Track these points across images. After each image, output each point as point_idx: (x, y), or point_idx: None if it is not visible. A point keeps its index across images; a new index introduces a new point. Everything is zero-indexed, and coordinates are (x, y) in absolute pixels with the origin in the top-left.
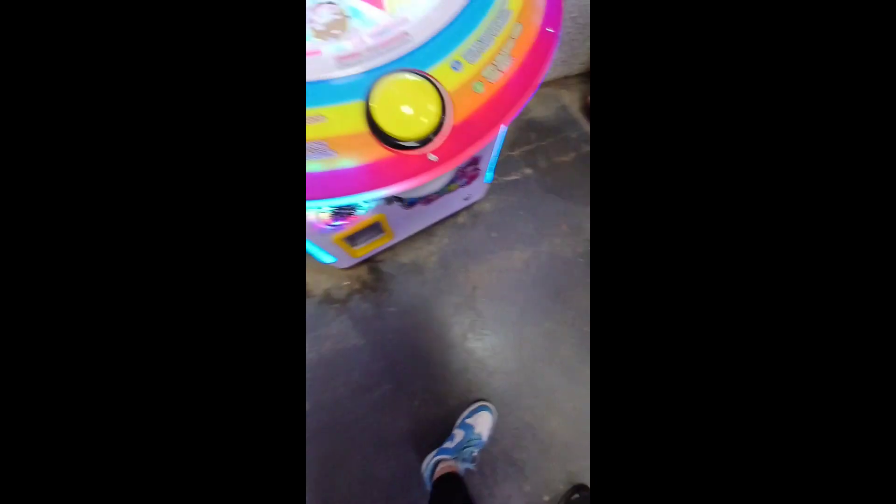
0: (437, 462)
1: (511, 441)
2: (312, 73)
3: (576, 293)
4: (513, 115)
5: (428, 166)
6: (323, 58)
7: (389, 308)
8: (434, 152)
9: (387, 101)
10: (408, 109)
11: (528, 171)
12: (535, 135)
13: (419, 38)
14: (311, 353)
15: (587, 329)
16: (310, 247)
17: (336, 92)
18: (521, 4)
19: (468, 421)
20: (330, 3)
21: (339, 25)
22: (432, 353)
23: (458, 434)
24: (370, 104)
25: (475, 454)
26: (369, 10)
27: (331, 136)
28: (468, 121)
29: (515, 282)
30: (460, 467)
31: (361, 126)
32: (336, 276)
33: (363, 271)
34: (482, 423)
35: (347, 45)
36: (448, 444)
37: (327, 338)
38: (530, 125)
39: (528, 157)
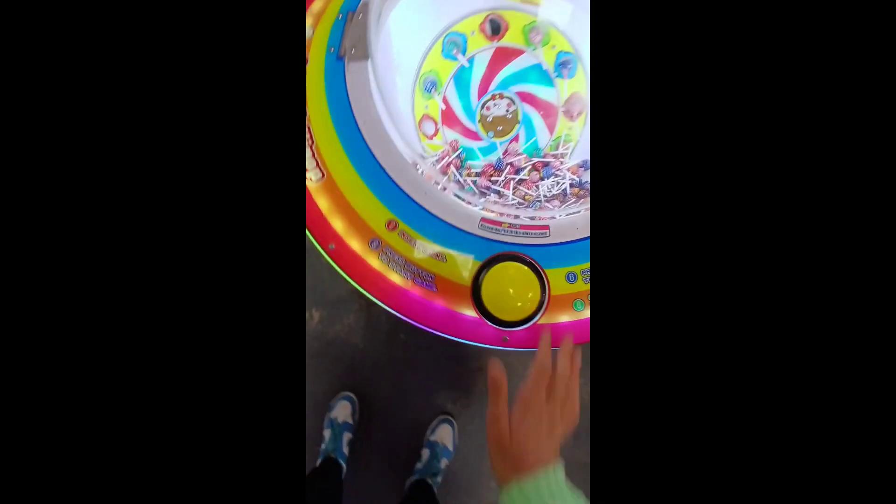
0: (413, 482)
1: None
2: (460, 221)
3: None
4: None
5: (498, 342)
6: (472, 213)
7: (400, 334)
8: (510, 336)
9: (497, 276)
10: (510, 291)
11: None
12: None
13: (556, 238)
14: (320, 325)
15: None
16: None
17: (466, 244)
18: None
19: (432, 438)
20: (510, 100)
21: (506, 124)
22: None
23: (425, 453)
24: (482, 271)
25: (443, 466)
26: (539, 127)
27: (441, 275)
28: (554, 326)
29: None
30: (430, 481)
31: (466, 281)
32: None
33: None
34: (444, 436)
35: (497, 209)
36: (418, 465)
37: (338, 322)
38: None
39: None
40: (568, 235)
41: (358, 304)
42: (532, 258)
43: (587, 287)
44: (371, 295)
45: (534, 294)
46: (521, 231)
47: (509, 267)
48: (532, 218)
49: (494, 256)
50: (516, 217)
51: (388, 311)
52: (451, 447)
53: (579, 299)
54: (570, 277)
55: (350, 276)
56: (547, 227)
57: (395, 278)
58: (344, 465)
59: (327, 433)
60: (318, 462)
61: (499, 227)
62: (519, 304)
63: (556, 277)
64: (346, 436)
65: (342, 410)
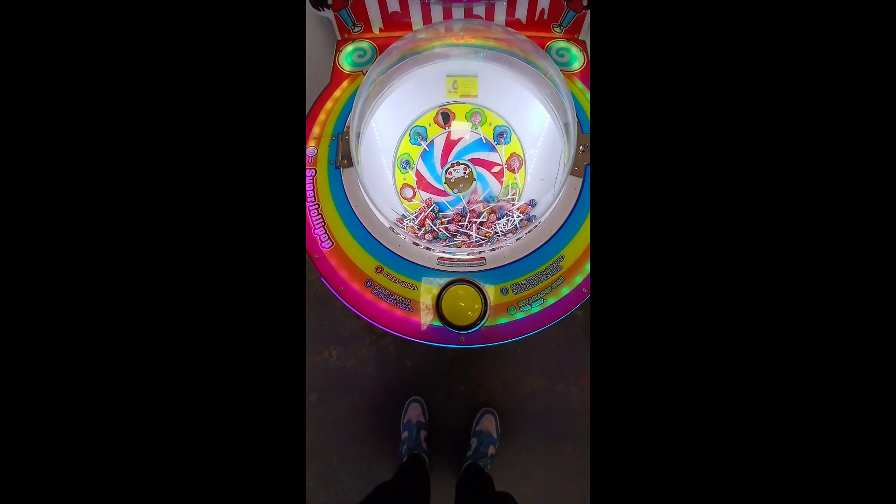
0: (467, 465)
1: None
2: (425, 261)
3: (563, 446)
4: (522, 336)
5: (457, 342)
6: (431, 255)
7: (406, 362)
8: (466, 337)
9: (452, 295)
10: (461, 305)
11: (580, 313)
12: None
13: (491, 264)
14: (338, 361)
15: (555, 481)
16: None
17: (430, 276)
18: (571, 265)
19: (478, 428)
20: (465, 165)
21: (465, 182)
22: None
23: (473, 442)
24: (442, 293)
25: (492, 451)
26: (491, 181)
27: (414, 298)
28: (496, 327)
29: (515, 405)
30: (481, 463)
31: (431, 301)
32: None
33: None
34: (488, 425)
35: (448, 250)
36: (469, 453)
37: (353, 356)
38: None
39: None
40: (499, 262)
41: (369, 338)
42: (475, 280)
43: (517, 296)
44: (368, 319)
45: (478, 305)
46: (467, 263)
47: (460, 288)
48: (475, 253)
49: (449, 281)
50: (468, 253)
51: (394, 343)
52: (495, 434)
53: (511, 307)
54: (504, 291)
55: (354, 307)
56: (484, 258)
57: (384, 305)
58: (426, 458)
59: (405, 434)
60: (405, 459)
61: (450, 263)
62: (469, 313)
63: (493, 292)
64: (423, 433)
65: (414, 412)
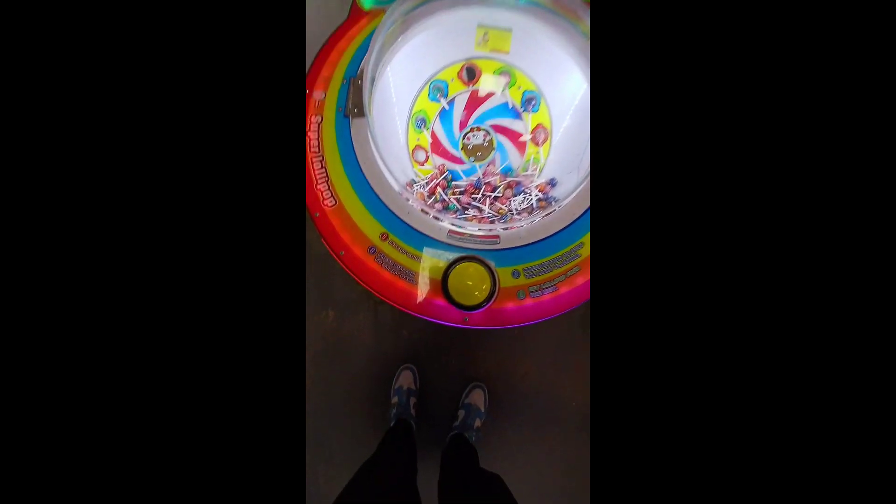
0: (453, 435)
1: None
2: (434, 232)
3: (552, 428)
4: (529, 323)
5: (461, 322)
6: (442, 227)
7: (403, 332)
8: (470, 317)
9: (460, 273)
10: (469, 283)
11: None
12: None
13: (505, 244)
14: (333, 324)
15: (540, 464)
16: None
17: (438, 248)
18: (588, 253)
19: (466, 401)
20: (486, 132)
21: (484, 151)
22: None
23: (461, 413)
24: (449, 269)
25: (478, 424)
26: (512, 152)
27: (418, 271)
28: (502, 310)
29: (508, 384)
30: (467, 434)
31: (438, 276)
32: None
33: None
34: (477, 399)
35: (458, 223)
36: (455, 423)
37: (350, 322)
38: None
39: None
40: (514, 243)
41: (367, 304)
42: (486, 259)
43: (529, 281)
44: (370, 287)
45: (487, 286)
46: (479, 240)
47: (469, 266)
48: (488, 231)
49: (459, 258)
50: (479, 229)
51: (392, 311)
52: (483, 409)
53: (521, 291)
54: (515, 274)
55: (355, 273)
56: (498, 236)
57: (387, 275)
58: (414, 425)
59: (395, 400)
60: (392, 423)
61: (462, 238)
62: (476, 293)
63: (504, 274)
64: (412, 400)
65: (405, 379)
